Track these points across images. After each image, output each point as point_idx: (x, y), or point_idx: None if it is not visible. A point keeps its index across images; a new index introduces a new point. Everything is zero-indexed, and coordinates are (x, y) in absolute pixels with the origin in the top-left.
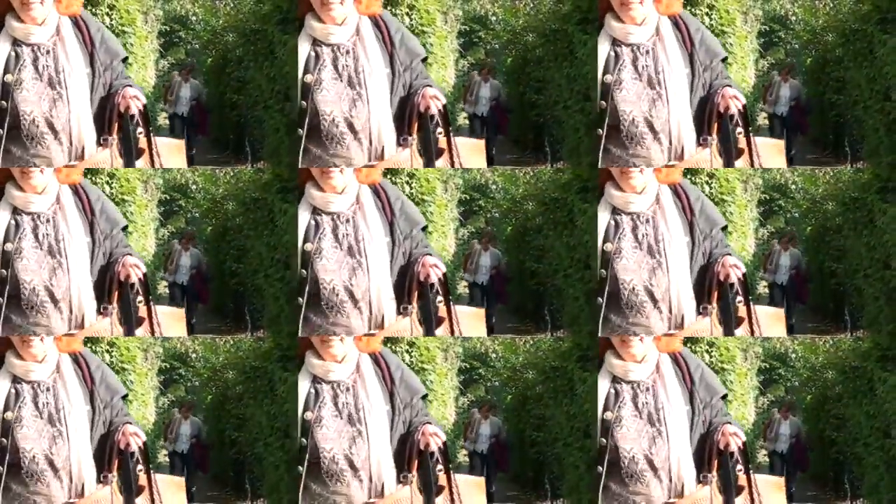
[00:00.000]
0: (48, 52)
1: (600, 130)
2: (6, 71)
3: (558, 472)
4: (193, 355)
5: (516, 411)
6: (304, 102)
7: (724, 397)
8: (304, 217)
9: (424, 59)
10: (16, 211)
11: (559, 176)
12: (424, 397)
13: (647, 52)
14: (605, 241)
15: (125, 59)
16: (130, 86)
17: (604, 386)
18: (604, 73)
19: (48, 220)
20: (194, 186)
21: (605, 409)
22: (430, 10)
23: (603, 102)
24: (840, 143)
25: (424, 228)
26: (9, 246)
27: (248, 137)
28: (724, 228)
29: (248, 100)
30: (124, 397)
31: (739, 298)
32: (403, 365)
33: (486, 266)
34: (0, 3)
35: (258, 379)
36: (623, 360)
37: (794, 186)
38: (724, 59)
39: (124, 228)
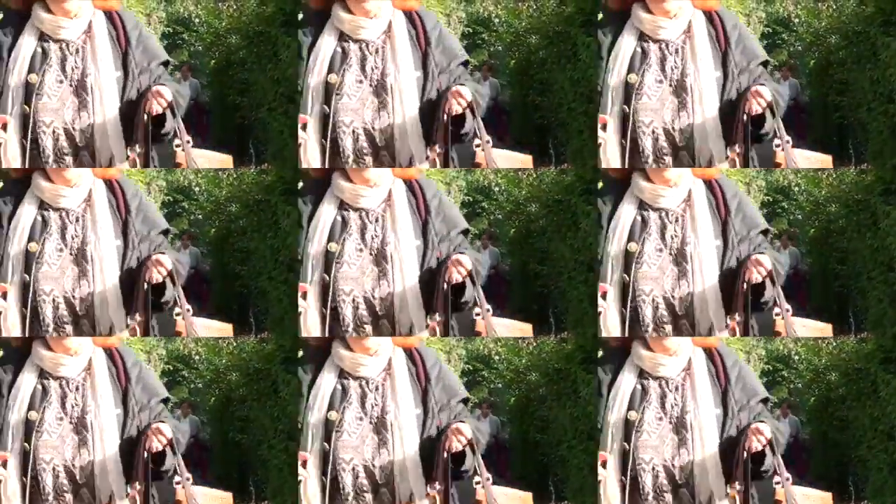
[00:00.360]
0: (77, 50)
1: (624, 141)
2: (30, 70)
3: (562, 475)
4: (197, 357)
5: (520, 413)
6: (326, 107)
7: (766, 401)
8: (329, 212)
9: (466, 63)
10: (42, 206)
11: (562, 178)
12: (466, 402)
13: (677, 50)
14: (629, 241)
15: (167, 63)
16: (163, 84)
17: (629, 381)
18: (628, 72)
19: (77, 220)
20: (197, 188)
21: (630, 407)
22: (434, 12)
23: (626, 107)
24: (844, 146)
25: (467, 232)
26: (33, 245)
27: (252, 140)
28: (766, 233)
29: (251, 102)
30: (166, 401)
31: (777, 310)
32: (443, 363)
33: (485, 265)
34: None
35: (261, 381)
36: (653, 351)
37: (797, 188)
38: (766, 64)
39: (166, 232)
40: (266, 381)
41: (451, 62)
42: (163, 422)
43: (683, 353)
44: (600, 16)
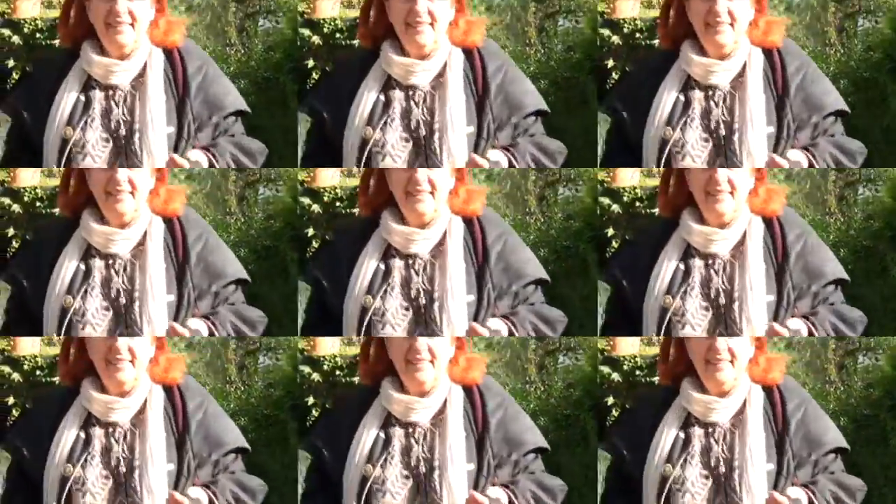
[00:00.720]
0: (125, 99)
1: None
2: (69, 122)
3: None
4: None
5: None
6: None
7: (841, 452)
8: (371, 262)
9: (540, 114)
10: (89, 252)
11: (570, 224)
12: (541, 451)
13: (724, 99)
14: (667, 293)
15: (241, 114)
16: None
17: (670, 433)
18: (667, 123)
19: (124, 269)
20: None
21: (668, 459)
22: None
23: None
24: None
25: (542, 283)
26: (69, 300)
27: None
28: (842, 284)
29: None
30: (241, 452)
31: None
32: (512, 402)
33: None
34: (76, 26)
35: (270, 427)
36: (707, 392)
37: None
38: (841, 114)
39: (243, 283)
40: (275, 428)
41: (512, 115)
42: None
43: (739, 391)
44: (610, 62)
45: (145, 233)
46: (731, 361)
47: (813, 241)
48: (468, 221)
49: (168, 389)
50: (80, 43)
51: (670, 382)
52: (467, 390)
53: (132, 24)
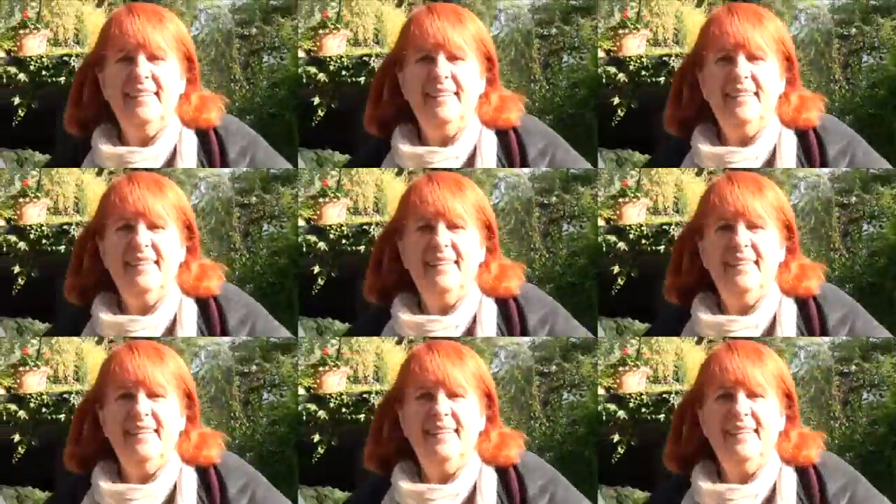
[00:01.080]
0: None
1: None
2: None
3: None
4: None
5: None
6: None
7: None
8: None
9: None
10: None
11: (575, 260)
12: None
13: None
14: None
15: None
16: None
17: None
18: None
19: None
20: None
21: None
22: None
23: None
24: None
25: None
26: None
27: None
28: None
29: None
30: None
31: None
32: (561, 482)
33: None
34: (89, 105)
35: (276, 464)
36: (725, 480)
37: None
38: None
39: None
40: (281, 465)
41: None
42: None
43: (766, 475)
44: (616, 100)
45: (175, 316)
46: (757, 431)
47: (861, 324)
48: (502, 303)
49: (202, 470)
50: (91, 130)
51: (679, 469)
52: (500, 471)
53: (157, 94)
